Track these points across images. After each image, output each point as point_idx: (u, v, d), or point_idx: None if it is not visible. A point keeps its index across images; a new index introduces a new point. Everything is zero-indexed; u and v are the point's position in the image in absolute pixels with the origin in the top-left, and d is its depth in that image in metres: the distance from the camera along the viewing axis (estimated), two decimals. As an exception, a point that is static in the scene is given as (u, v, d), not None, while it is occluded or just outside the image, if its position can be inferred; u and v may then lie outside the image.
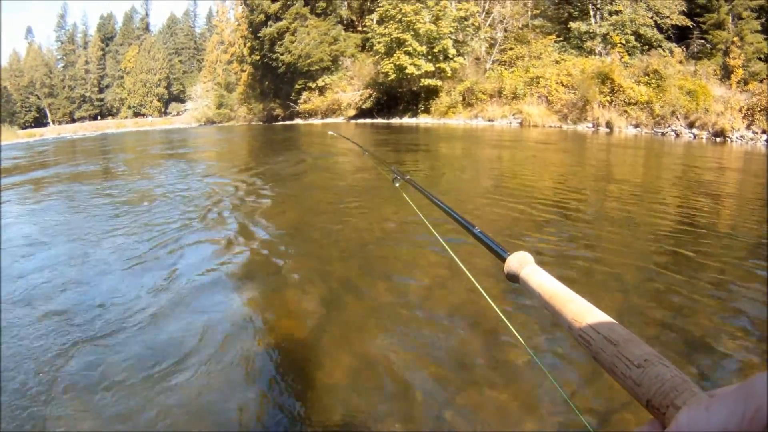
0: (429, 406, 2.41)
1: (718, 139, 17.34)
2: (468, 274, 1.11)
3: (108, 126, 59.61)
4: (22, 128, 65.62)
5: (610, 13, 25.73)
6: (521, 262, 0.75)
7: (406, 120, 29.78)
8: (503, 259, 0.79)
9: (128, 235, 5.68)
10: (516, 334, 0.98)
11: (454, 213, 1.15)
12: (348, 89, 34.63)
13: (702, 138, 17.90)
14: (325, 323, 3.32)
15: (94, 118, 79.94)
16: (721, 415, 0.32)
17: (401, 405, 2.42)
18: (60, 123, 77.54)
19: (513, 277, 0.76)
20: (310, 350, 3.02)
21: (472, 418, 2.33)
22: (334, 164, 12.06)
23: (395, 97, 31.34)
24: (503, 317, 0.93)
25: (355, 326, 3.26)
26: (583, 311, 0.58)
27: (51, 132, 56.11)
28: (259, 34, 40.64)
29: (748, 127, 17.38)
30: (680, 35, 24.31)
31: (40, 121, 78.17)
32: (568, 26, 26.94)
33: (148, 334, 3.23)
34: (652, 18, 24.63)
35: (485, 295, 1.01)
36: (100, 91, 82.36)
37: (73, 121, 78.66)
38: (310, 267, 4.43)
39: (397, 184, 1.89)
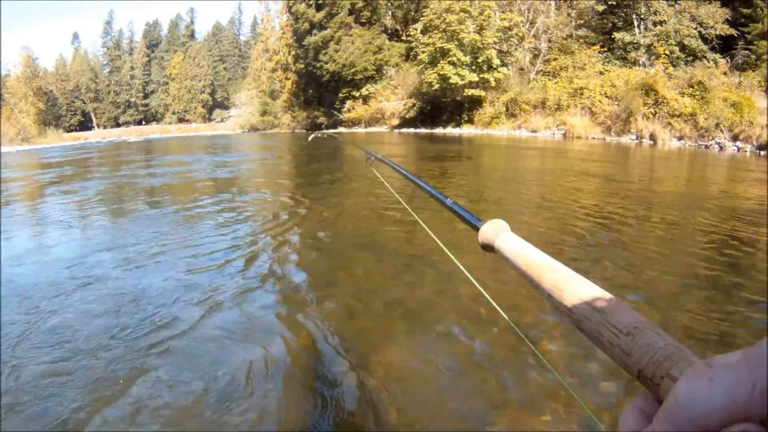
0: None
1: (762, 153, 17.54)
2: (456, 261, 1.08)
3: (152, 131, 61.70)
4: (68, 131, 68.62)
5: (654, 24, 26.15)
6: (496, 231, 0.72)
7: (450, 130, 30.50)
8: (477, 229, 0.77)
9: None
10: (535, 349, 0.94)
11: (425, 185, 1.15)
12: (392, 98, 35.57)
13: (746, 151, 18.18)
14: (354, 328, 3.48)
15: (139, 123, 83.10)
16: (727, 385, 0.27)
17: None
18: (105, 127, 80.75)
19: (488, 247, 0.74)
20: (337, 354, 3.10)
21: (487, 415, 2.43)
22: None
23: (439, 106, 31.97)
24: (499, 309, 0.86)
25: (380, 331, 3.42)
26: (563, 278, 0.53)
27: (96, 136, 58.30)
28: (303, 43, 42.01)
29: (793, 141, 17.58)
30: (724, 46, 24.54)
31: (85, 125, 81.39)
32: (612, 37, 27.40)
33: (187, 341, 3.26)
34: (696, 28, 24.90)
35: (474, 282, 1.00)
36: (145, 96, 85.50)
37: (118, 125, 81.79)
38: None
39: (370, 164, 2.03)
